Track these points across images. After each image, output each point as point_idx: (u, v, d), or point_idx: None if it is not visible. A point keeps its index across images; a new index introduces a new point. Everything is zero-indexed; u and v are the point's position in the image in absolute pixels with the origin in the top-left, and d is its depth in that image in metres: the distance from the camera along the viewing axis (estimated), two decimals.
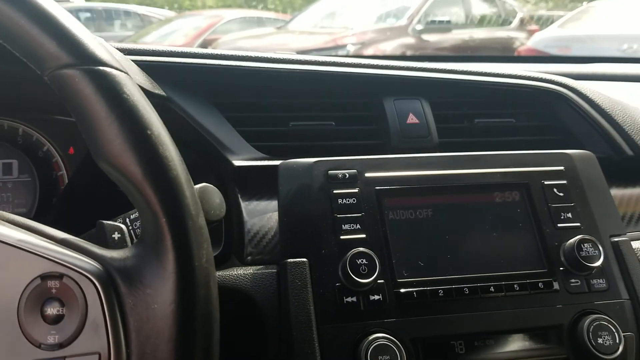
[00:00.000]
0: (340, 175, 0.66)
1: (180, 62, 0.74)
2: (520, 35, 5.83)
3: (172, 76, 0.73)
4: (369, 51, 5.08)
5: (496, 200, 0.70)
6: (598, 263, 0.65)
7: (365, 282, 0.59)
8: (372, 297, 0.61)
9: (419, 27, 5.21)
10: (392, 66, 0.79)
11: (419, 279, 0.63)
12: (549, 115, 0.81)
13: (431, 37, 5.24)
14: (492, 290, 0.63)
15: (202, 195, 0.53)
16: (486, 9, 6.25)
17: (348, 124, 0.78)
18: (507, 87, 0.80)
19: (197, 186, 0.52)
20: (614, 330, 0.61)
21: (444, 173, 0.69)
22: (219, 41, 5.27)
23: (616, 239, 0.69)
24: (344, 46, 5.10)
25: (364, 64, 0.79)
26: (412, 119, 0.76)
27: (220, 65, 0.75)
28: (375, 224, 0.65)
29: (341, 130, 0.77)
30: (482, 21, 6.00)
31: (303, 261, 0.62)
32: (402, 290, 0.62)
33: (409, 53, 5.03)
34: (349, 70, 0.78)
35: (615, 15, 4.92)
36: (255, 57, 0.77)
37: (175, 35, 5.94)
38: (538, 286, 0.64)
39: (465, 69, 0.80)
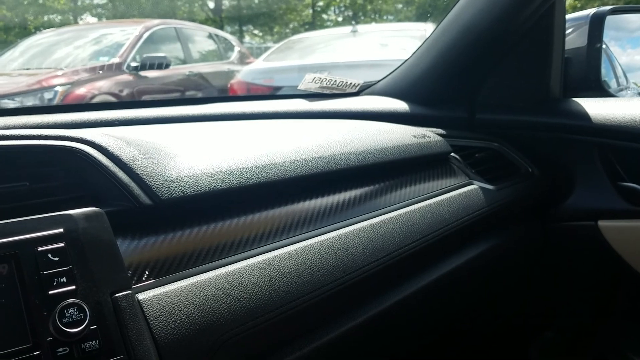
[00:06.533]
0: None
1: None
2: (240, 67, 6.16)
3: None
4: (81, 91, 4.80)
5: None
6: (81, 327, 0.64)
7: None
8: None
9: (134, 63, 5.12)
10: None
11: None
12: (69, 173, 0.79)
13: (149, 74, 5.18)
14: None
15: None
16: (204, 45, 6.45)
17: None
18: (17, 149, 0.76)
19: None
20: None
21: None
22: None
23: (117, 295, 0.69)
24: (51, 87, 4.73)
25: None
26: None
27: None
28: None
29: None
30: (202, 56, 6.17)
31: None
32: None
33: (125, 91, 4.90)
34: None
35: (315, 47, 5.53)
36: None
37: None
38: None
39: None
